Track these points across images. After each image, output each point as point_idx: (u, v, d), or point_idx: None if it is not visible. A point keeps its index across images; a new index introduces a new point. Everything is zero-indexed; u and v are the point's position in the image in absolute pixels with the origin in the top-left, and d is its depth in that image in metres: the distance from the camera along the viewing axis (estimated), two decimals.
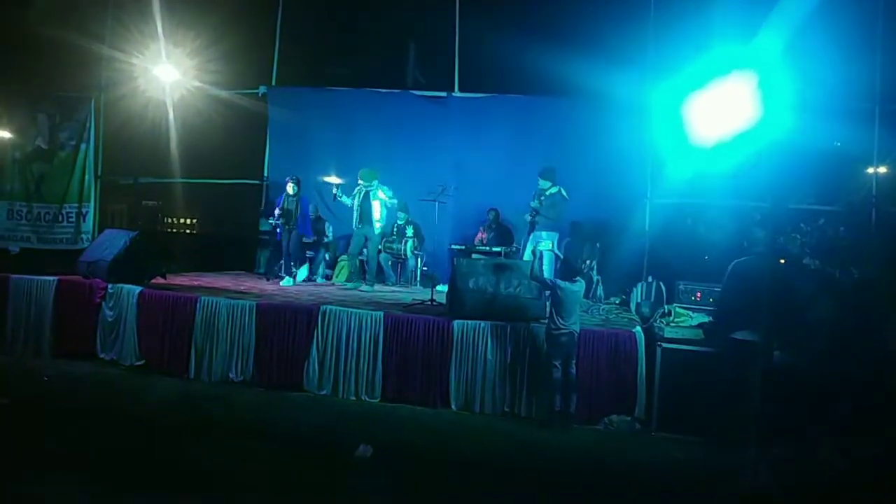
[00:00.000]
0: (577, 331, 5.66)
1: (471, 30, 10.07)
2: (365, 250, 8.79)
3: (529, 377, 5.92)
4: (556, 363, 5.59)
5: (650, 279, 7.79)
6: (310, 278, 9.41)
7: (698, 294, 7.00)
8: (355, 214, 8.58)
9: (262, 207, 10.56)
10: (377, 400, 6.12)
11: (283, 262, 9.09)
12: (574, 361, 5.66)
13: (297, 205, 8.84)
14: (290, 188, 8.86)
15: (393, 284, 9.62)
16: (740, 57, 7.75)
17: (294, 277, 8.81)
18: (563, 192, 7.93)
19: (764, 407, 4.54)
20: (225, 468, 4.43)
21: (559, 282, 5.67)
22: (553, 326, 5.61)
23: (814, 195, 8.97)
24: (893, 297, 4.87)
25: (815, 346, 4.86)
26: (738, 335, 5.02)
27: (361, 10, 12.60)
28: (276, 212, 8.88)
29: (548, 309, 5.80)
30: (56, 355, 7.01)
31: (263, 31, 10.64)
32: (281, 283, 8.65)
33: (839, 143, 8.43)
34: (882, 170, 8.65)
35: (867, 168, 8.81)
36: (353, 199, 8.58)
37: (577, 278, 5.71)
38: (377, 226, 8.56)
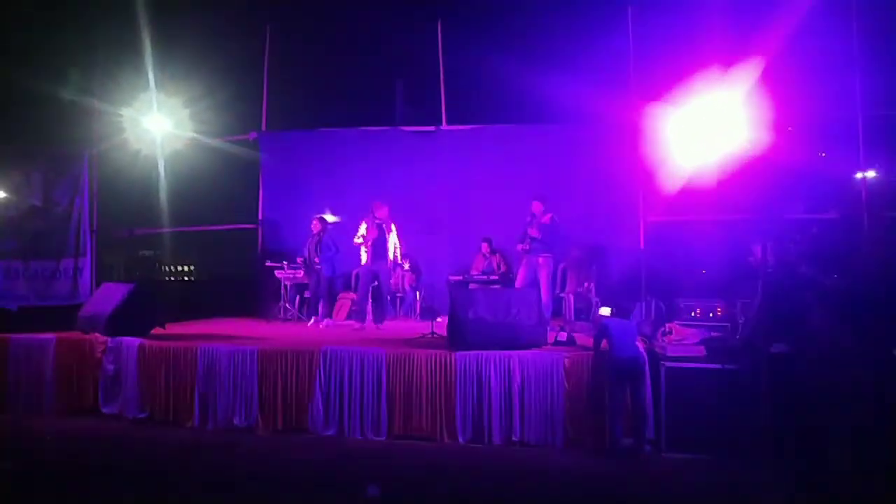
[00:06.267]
0: (641, 356, 5.60)
1: (456, 64, 10.25)
2: (372, 288, 8.46)
3: (537, 404, 5.87)
4: (624, 390, 5.55)
5: (649, 297, 7.80)
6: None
7: (698, 310, 7.01)
8: (367, 251, 8.27)
9: (259, 251, 10.57)
10: (383, 438, 6.06)
11: (299, 302, 9.24)
12: (644, 388, 5.57)
13: (316, 245, 8.86)
14: (313, 227, 8.95)
15: (393, 319, 9.59)
16: (723, 74, 7.91)
17: (321, 320, 8.71)
18: (556, 217, 8.02)
19: (792, 420, 4.51)
20: None
21: (608, 323, 5.71)
22: (612, 356, 5.57)
23: (805, 205, 9.05)
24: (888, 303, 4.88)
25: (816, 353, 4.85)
26: (777, 349, 4.91)
27: (348, 51, 12.85)
28: (303, 254, 9.03)
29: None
30: (58, 413, 6.94)
31: (253, 77, 10.80)
32: (309, 324, 8.78)
33: (824, 154, 8.53)
34: (870, 174, 8.74)
35: (855, 175, 8.90)
36: (367, 233, 8.21)
37: (626, 316, 5.87)
38: (390, 262, 8.37)
